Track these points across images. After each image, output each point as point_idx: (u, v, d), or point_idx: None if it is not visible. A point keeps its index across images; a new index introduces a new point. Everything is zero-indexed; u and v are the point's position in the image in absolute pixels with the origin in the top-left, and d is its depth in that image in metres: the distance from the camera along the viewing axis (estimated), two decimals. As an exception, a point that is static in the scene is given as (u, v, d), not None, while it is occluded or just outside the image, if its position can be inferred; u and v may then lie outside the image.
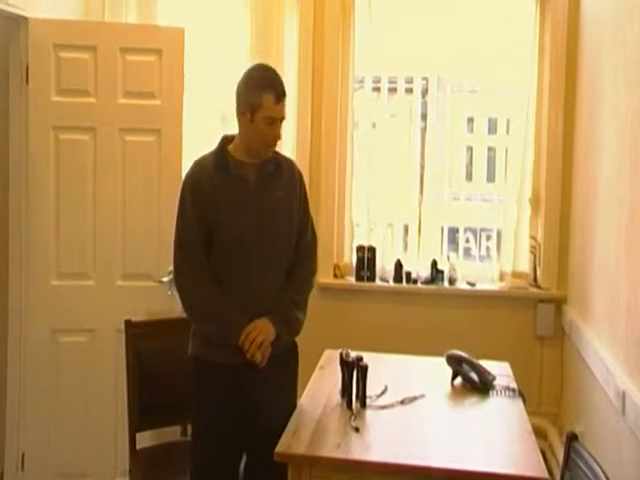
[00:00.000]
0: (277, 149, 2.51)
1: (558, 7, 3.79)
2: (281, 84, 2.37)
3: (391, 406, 2.45)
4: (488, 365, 2.74)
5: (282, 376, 2.45)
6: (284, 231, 2.46)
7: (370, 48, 4.03)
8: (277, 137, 2.39)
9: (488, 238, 4.22)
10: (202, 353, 2.40)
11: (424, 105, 4.16)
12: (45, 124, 3.27)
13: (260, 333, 2.33)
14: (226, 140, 2.45)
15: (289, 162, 2.58)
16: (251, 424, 2.38)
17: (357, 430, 2.25)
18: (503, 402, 2.56)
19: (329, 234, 3.96)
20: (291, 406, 2.44)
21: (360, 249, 4.03)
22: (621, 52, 2.81)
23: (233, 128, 2.51)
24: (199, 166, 2.42)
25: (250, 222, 2.37)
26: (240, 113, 2.37)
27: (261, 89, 2.32)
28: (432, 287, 3.95)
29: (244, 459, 2.48)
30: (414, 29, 4.03)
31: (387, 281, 4.02)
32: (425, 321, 3.92)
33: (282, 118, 2.38)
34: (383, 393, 2.55)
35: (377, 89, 4.10)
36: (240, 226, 2.36)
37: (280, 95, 2.34)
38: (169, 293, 3.31)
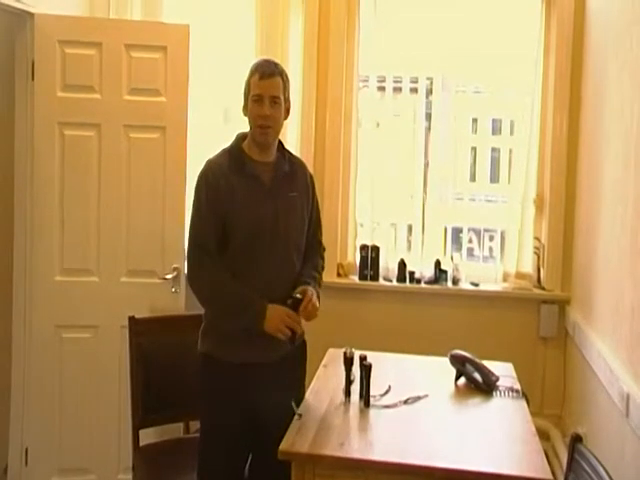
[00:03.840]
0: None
1: (564, 7, 3.78)
2: (269, 65, 2.38)
3: (394, 406, 2.45)
4: (491, 365, 2.74)
5: (291, 375, 2.47)
6: (297, 232, 2.47)
7: (375, 47, 4.02)
8: (264, 114, 2.34)
9: (491, 239, 4.21)
10: (213, 351, 2.40)
11: (428, 105, 4.15)
12: (50, 120, 3.27)
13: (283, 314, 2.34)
14: (241, 137, 2.45)
15: (301, 163, 2.59)
16: (260, 422, 2.38)
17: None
18: (506, 403, 2.56)
19: (333, 233, 3.94)
20: (299, 404, 2.43)
21: (364, 248, 4.03)
22: (627, 52, 2.80)
23: (236, 126, 2.51)
24: (214, 165, 2.41)
25: (265, 223, 2.37)
26: (242, 108, 2.42)
27: (251, 73, 2.38)
28: (435, 287, 3.94)
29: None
30: (419, 28, 4.02)
31: (390, 280, 4.02)
32: (428, 321, 3.92)
33: (271, 95, 2.34)
34: (387, 392, 2.55)
35: (382, 88, 4.09)
36: (255, 226, 2.36)
37: (265, 72, 2.34)
38: (173, 290, 3.31)
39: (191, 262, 2.42)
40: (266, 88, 2.34)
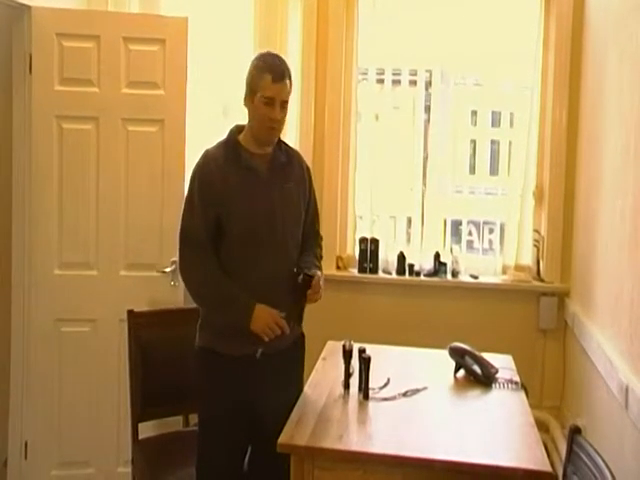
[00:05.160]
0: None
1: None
2: (281, 66, 2.36)
3: (394, 398, 2.45)
4: (491, 358, 2.74)
5: (289, 368, 2.47)
6: (293, 222, 2.46)
7: (374, 39, 4.01)
8: (275, 119, 2.34)
9: (491, 231, 4.20)
10: (211, 345, 2.40)
11: (428, 97, 4.14)
12: (48, 113, 3.26)
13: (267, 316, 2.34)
14: (237, 130, 2.44)
15: (297, 154, 2.59)
16: (258, 415, 2.38)
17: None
18: (506, 395, 2.56)
19: (332, 226, 3.95)
20: (297, 397, 2.44)
21: (363, 241, 4.02)
22: (626, 44, 2.79)
23: (235, 119, 2.49)
24: (209, 157, 2.40)
25: (261, 214, 2.36)
26: (245, 98, 2.38)
27: (261, 71, 2.34)
28: (435, 279, 3.94)
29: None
30: (418, 21, 4.01)
31: (390, 273, 4.02)
32: (428, 313, 3.92)
33: (282, 100, 2.34)
34: (386, 385, 2.55)
35: (381, 81, 4.08)
36: (252, 218, 2.35)
37: (278, 75, 2.33)
38: (172, 283, 3.31)
39: (180, 254, 2.42)
40: (278, 92, 2.33)
